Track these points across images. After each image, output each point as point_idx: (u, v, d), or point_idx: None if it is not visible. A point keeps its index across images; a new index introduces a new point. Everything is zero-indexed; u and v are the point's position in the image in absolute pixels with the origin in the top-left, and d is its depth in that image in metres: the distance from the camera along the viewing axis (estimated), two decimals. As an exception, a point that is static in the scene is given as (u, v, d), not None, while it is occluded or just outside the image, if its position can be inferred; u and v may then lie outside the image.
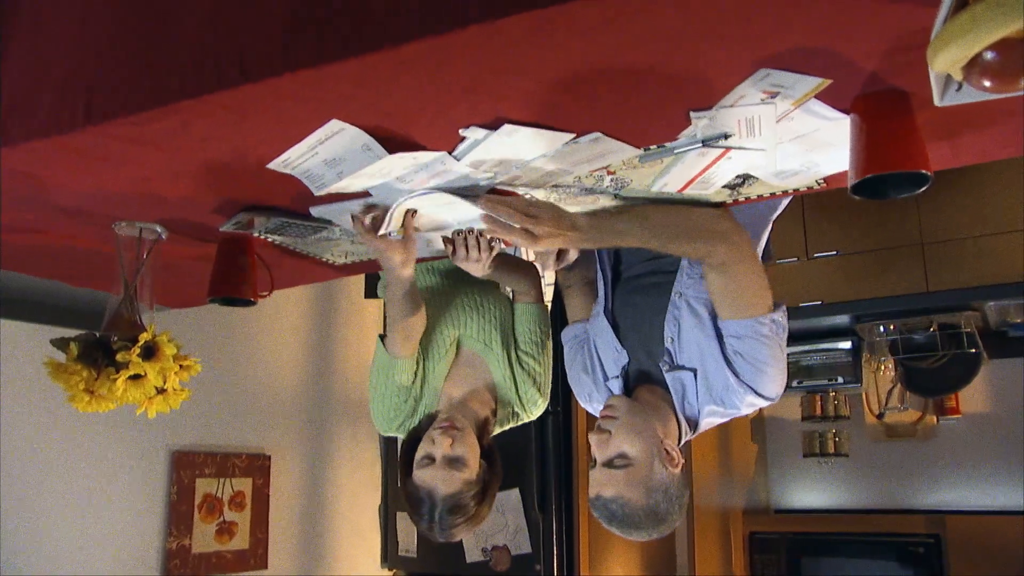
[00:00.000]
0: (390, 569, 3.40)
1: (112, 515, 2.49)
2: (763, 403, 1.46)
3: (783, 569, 3.48)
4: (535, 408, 1.76)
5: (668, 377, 1.50)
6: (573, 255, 1.57)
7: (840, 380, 3.40)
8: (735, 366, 1.42)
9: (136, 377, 1.47)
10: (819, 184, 1.41)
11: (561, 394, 3.09)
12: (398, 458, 1.63)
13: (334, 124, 1.11)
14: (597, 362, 1.64)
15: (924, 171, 1.04)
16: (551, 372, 1.79)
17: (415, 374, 1.70)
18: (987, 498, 3.41)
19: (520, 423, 1.79)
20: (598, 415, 1.68)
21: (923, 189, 1.09)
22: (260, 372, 3.08)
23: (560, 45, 0.93)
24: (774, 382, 1.43)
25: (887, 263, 3.17)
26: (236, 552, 2.82)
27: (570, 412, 3.10)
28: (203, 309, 2.10)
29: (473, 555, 3.13)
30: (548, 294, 2.33)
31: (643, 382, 1.54)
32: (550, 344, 1.79)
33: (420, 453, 1.55)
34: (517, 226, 1.29)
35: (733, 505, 3.65)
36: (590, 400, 1.67)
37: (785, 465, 3.87)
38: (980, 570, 3.04)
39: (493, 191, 1.37)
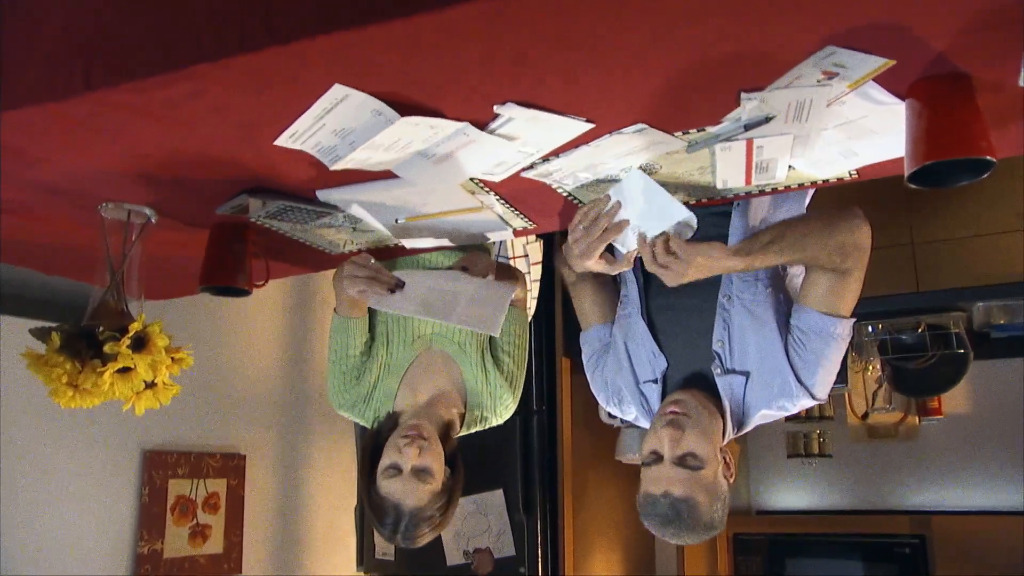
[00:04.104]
0: (366, 573, 3.29)
1: (80, 518, 2.36)
2: (811, 404, 1.45)
3: (767, 570, 3.46)
4: (505, 412, 1.73)
5: (720, 381, 1.47)
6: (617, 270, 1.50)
7: (825, 380, 3.38)
8: (796, 360, 1.41)
9: (124, 370, 1.37)
10: (851, 175, 1.37)
11: (546, 394, 3.02)
12: (359, 462, 1.58)
13: (338, 90, 1.01)
14: (628, 365, 1.58)
15: (990, 157, 1.00)
16: (524, 377, 1.77)
17: (369, 348, 1.69)
18: (973, 498, 3.42)
19: (487, 427, 1.75)
20: (628, 418, 1.61)
21: (984, 176, 1.04)
22: (235, 368, 2.96)
23: (628, 15, 0.85)
24: (828, 381, 1.43)
25: (876, 263, 3.14)
26: (210, 556, 2.69)
27: (555, 412, 3.04)
28: (172, 301, 1.99)
29: (454, 558, 3.04)
30: (535, 290, 2.27)
31: (684, 386, 1.49)
32: (527, 350, 1.78)
33: (386, 461, 1.50)
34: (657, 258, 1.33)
35: (717, 506, 3.62)
36: (620, 403, 1.61)
37: (769, 466, 3.86)
38: (966, 570, 3.05)
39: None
